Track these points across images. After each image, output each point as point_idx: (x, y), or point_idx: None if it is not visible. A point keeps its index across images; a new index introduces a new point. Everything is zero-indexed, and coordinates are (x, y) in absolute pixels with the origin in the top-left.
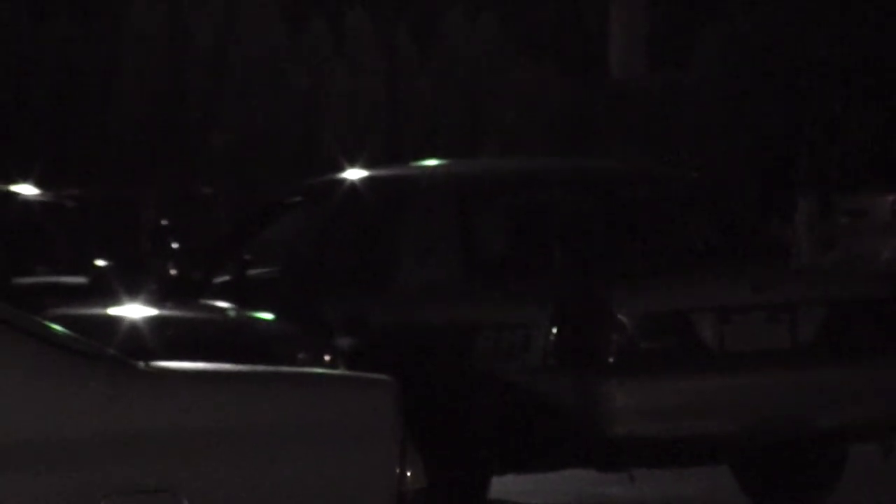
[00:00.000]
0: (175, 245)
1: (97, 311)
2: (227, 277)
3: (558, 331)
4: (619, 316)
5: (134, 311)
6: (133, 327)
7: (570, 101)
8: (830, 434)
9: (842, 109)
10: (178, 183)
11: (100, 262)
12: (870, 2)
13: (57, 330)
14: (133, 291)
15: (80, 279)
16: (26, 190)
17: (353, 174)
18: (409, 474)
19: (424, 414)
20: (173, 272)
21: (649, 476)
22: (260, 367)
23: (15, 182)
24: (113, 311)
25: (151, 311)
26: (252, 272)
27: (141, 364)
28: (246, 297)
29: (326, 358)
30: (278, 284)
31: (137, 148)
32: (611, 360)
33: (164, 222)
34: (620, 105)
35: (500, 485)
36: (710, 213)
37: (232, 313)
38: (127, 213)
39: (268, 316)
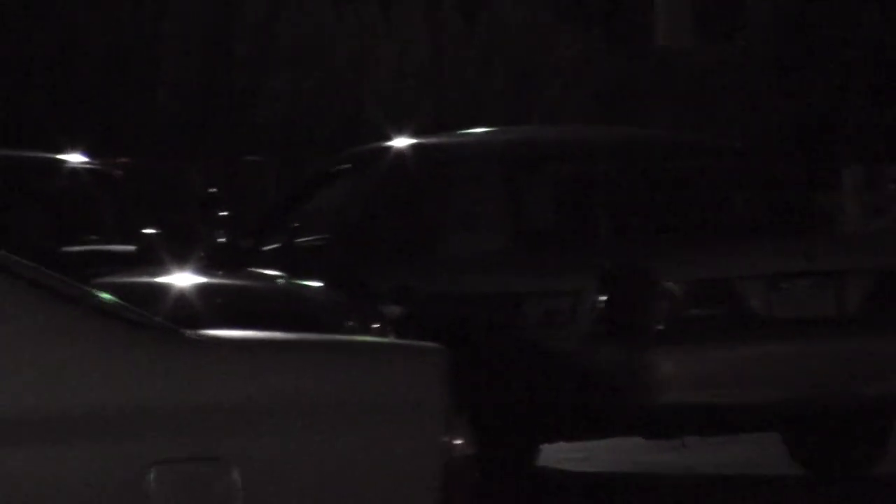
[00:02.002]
0: (223, 213)
1: (145, 279)
2: (275, 245)
3: (606, 299)
4: (667, 284)
5: (182, 279)
6: (181, 296)
7: (616, 71)
8: (878, 402)
9: (887, 79)
10: (226, 152)
11: (148, 231)
12: None
13: (105, 298)
14: (181, 260)
15: (128, 247)
16: (75, 158)
17: (400, 142)
18: (456, 442)
19: (472, 382)
20: (221, 240)
21: (699, 443)
22: (308, 336)
23: (63, 150)
24: (161, 279)
25: (200, 280)
26: (300, 240)
27: (189, 333)
28: (294, 265)
29: (375, 326)
30: (326, 252)
31: (185, 117)
32: (659, 328)
33: (212, 190)
34: (666, 75)
35: (550, 452)
36: (757, 181)
37: (280, 281)
38: (175, 181)
39: (316, 284)
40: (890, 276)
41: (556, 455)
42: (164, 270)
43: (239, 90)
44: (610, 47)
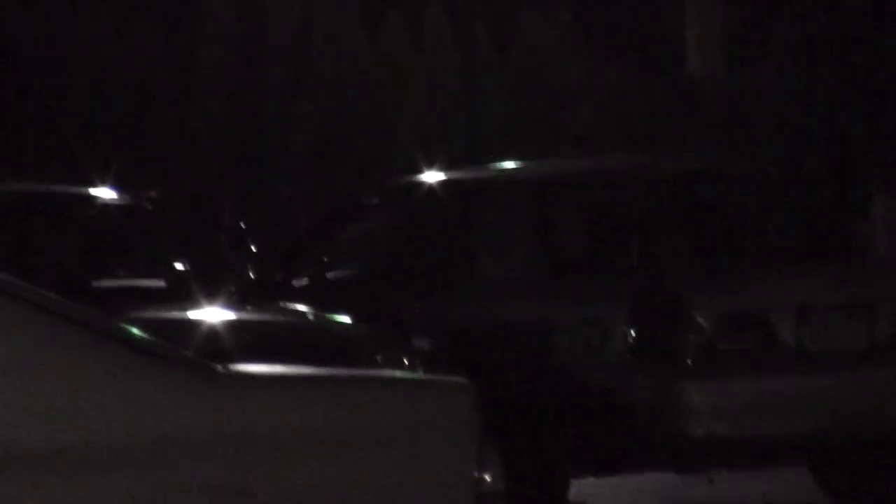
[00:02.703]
0: (253, 247)
1: (176, 313)
2: (305, 280)
3: (636, 330)
4: (697, 315)
5: (212, 313)
6: (211, 330)
7: (646, 98)
8: None
9: None
10: (256, 184)
11: (178, 265)
12: None
13: (136, 333)
14: (211, 294)
15: (158, 282)
16: (105, 193)
17: (431, 175)
18: (487, 477)
19: (502, 415)
20: (252, 274)
21: (726, 478)
22: (338, 370)
23: (93, 185)
24: (191, 313)
25: (230, 314)
26: (331, 274)
27: (219, 367)
28: (325, 299)
29: (405, 360)
30: (357, 286)
31: (216, 149)
32: (689, 359)
33: (242, 224)
34: (697, 102)
35: (580, 488)
36: (788, 210)
37: (310, 316)
38: (206, 215)
39: (346, 318)
40: None
41: (586, 490)
42: (194, 305)
43: (270, 120)
44: (641, 74)
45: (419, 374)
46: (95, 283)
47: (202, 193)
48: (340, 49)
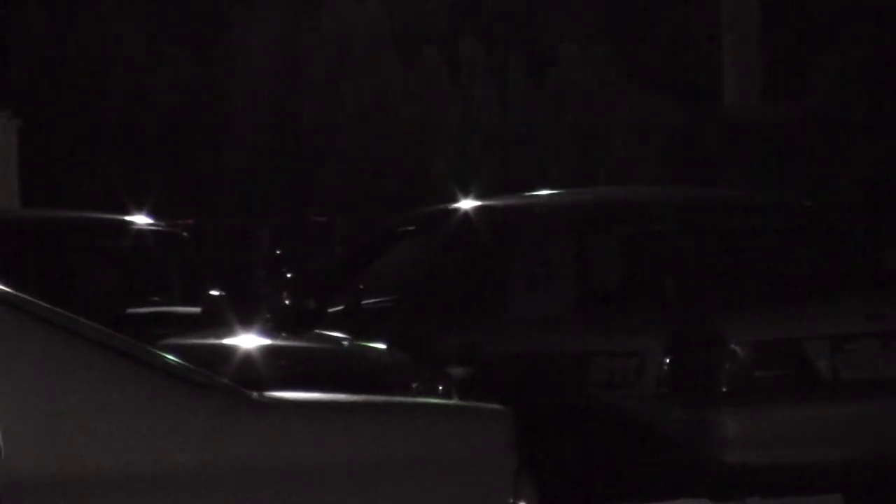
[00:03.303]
0: (289, 274)
1: (211, 340)
2: (340, 307)
3: (671, 360)
4: (733, 345)
5: (247, 340)
6: (246, 357)
7: (682, 131)
8: None
9: None
10: (291, 212)
11: (213, 292)
12: None
13: (171, 360)
14: (246, 321)
15: (193, 309)
16: (140, 219)
17: (466, 203)
18: None
19: (537, 444)
20: (287, 302)
21: None
22: (373, 398)
23: (129, 212)
24: (226, 340)
25: (265, 341)
26: (365, 302)
27: (254, 394)
28: (360, 326)
29: (440, 388)
30: (392, 314)
31: (252, 178)
32: (724, 388)
33: (277, 251)
34: (734, 135)
35: None
36: (824, 241)
37: (345, 343)
38: (241, 242)
39: (381, 346)
40: None
41: None
42: (229, 332)
43: (306, 149)
44: (676, 106)
45: (455, 401)
46: (131, 310)
47: (238, 221)
48: (375, 81)
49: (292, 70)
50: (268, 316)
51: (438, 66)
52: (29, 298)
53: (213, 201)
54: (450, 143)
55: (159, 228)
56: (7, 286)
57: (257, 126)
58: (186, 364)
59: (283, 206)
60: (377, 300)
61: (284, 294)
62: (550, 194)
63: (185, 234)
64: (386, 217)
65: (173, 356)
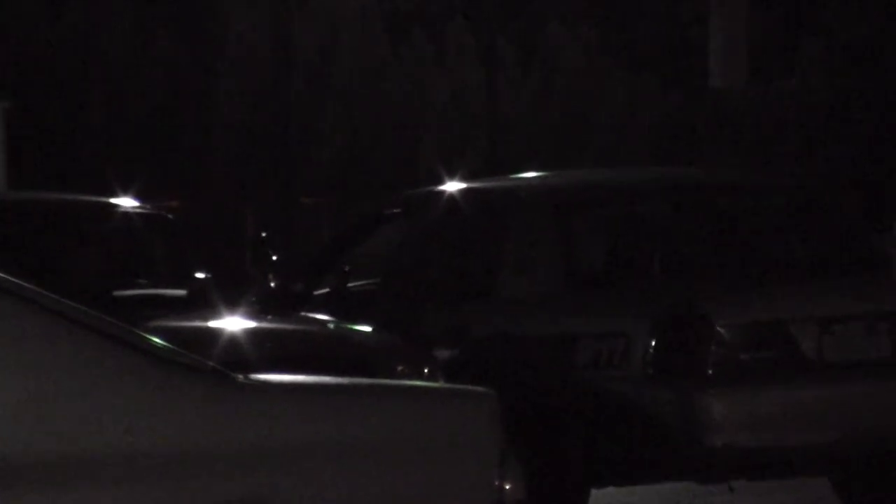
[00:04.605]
0: (275, 257)
1: (197, 323)
2: (327, 289)
3: (658, 342)
4: (719, 327)
5: (233, 323)
6: (233, 340)
7: (669, 111)
8: None
9: None
10: (279, 195)
11: (199, 275)
12: None
13: (157, 342)
14: (233, 304)
15: (179, 291)
16: (126, 202)
17: (453, 186)
18: (508, 487)
19: (524, 425)
20: (273, 284)
21: (747, 487)
22: (359, 380)
23: (115, 194)
24: (212, 323)
25: (251, 324)
26: (351, 284)
27: (240, 377)
28: (346, 309)
29: (425, 370)
30: (378, 296)
31: (239, 160)
32: (710, 371)
33: (264, 234)
34: (721, 114)
35: (600, 497)
36: (810, 222)
37: (331, 326)
38: (228, 224)
39: (367, 328)
40: None
41: (606, 500)
42: (215, 314)
43: (293, 131)
44: (664, 88)
45: (441, 384)
46: (117, 293)
47: (224, 203)
48: (364, 62)
49: (280, 52)
50: (253, 298)
51: (426, 48)
52: (14, 280)
53: (199, 184)
54: (438, 125)
55: (145, 211)
56: None
57: (245, 109)
58: (172, 346)
59: (271, 188)
60: (363, 283)
61: (270, 276)
62: (537, 176)
63: (171, 216)
64: (373, 199)
65: (159, 338)
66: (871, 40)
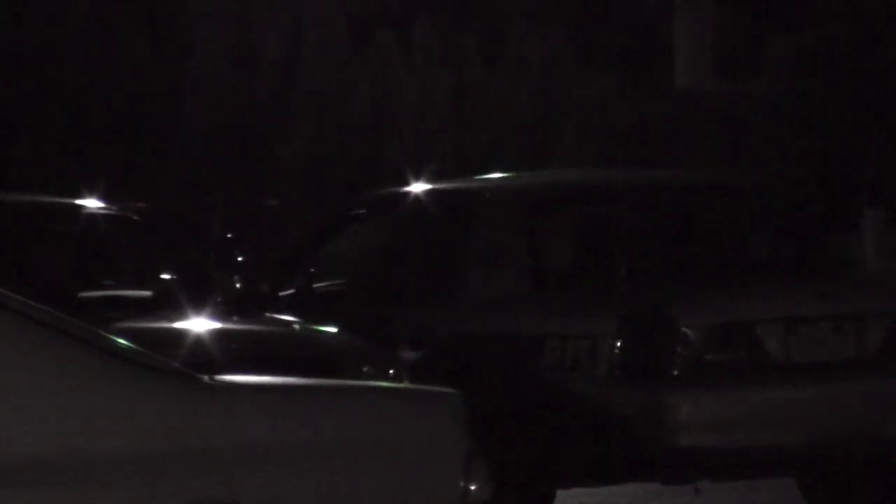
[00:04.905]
0: (240, 258)
1: (162, 324)
2: (292, 290)
3: (623, 343)
4: (685, 328)
5: (199, 324)
6: (198, 341)
7: (636, 112)
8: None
9: None
10: (244, 196)
11: (165, 276)
12: None
13: (122, 343)
14: (198, 305)
15: (145, 292)
16: (92, 203)
17: (419, 187)
18: (473, 487)
19: (490, 426)
20: (239, 285)
21: (714, 489)
22: (324, 381)
23: (81, 195)
24: (178, 324)
25: (216, 325)
26: (318, 285)
27: (206, 378)
28: (311, 310)
29: (391, 371)
30: (343, 297)
31: (205, 161)
32: (676, 371)
33: (229, 235)
34: (686, 116)
35: (566, 498)
36: (777, 223)
37: (297, 327)
38: (193, 226)
39: (332, 329)
40: None
41: (572, 501)
42: (180, 316)
43: (259, 132)
44: (630, 88)
45: (406, 385)
46: (82, 294)
47: (190, 205)
48: (329, 63)
49: (246, 52)
50: (219, 299)
51: (392, 49)
52: None
53: (165, 185)
54: (404, 126)
55: (111, 212)
56: None
57: (210, 110)
58: (138, 348)
59: (237, 190)
60: (329, 283)
61: (236, 278)
62: (503, 177)
63: (136, 217)
64: (339, 200)
65: (125, 340)
66: (839, 40)
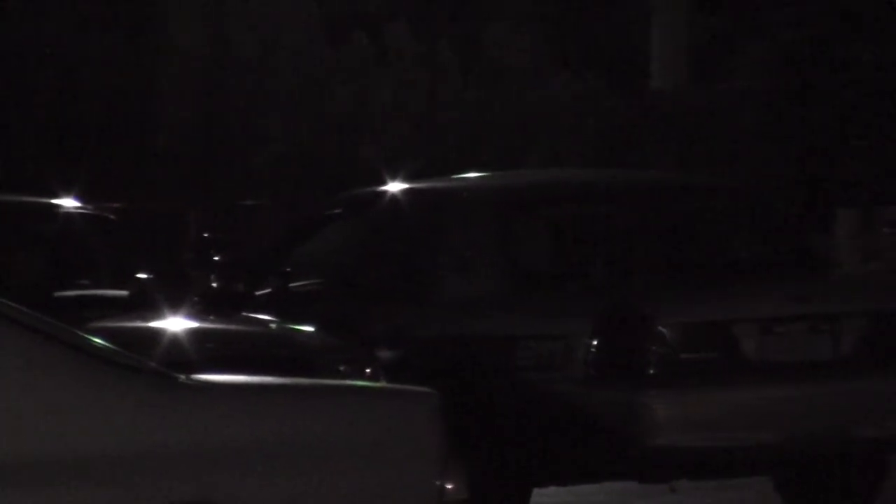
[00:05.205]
0: (217, 258)
1: (139, 324)
2: (268, 290)
3: (599, 343)
4: (660, 327)
5: (175, 323)
6: (174, 340)
7: (613, 113)
8: (872, 445)
9: (882, 121)
10: (220, 196)
11: (141, 275)
12: None
13: (99, 343)
14: (175, 304)
15: (121, 292)
16: (69, 203)
17: (394, 186)
18: (450, 486)
19: (466, 425)
20: (215, 285)
21: (690, 488)
22: (301, 380)
23: (58, 195)
24: (154, 324)
25: (193, 324)
26: (293, 285)
27: (182, 377)
28: (287, 309)
29: (367, 370)
30: (320, 297)
31: (181, 161)
32: (651, 371)
33: (205, 235)
34: (661, 117)
35: (541, 497)
36: (752, 223)
37: (273, 326)
38: (170, 225)
39: (309, 328)
40: (884, 319)
41: (548, 500)
42: (157, 315)
43: (235, 133)
44: (608, 90)
45: (383, 384)
46: (59, 293)
47: (167, 204)
48: (305, 64)
49: (222, 52)
50: (196, 299)
51: (368, 50)
52: None
53: (142, 185)
54: (379, 127)
55: (87, 212)
56: None
57: (187, 110)
58: (114, 347)
59: (213, 189)
60: (305, 283)
61: (212, 277)
62: (477, 177)
63: (113, 217)
64: (315, 200)
65: (101, 339)
66: (812, 42)
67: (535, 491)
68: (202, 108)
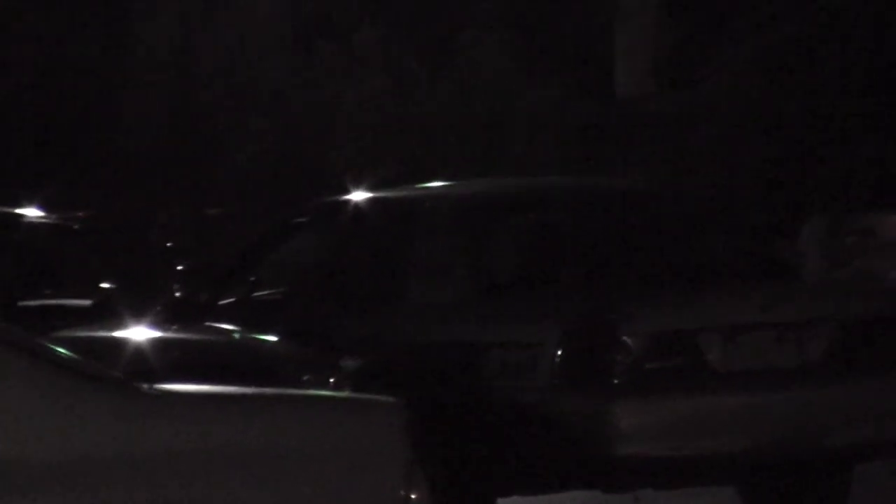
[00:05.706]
0: (180, 267)
1: (102, 333)
2: (232, 299)
3: (564, 351)
4: (625, 336)
5: (139, 333)
6: (138, 350)
7: (580, 119)
8: (838, 453)
9: (851, 129)
10: (185, 205)
11: (105, 285)
12: (884, 23)
13: (62, 352)
14: (138, 314)
15: (85, 301)
16: (32, 212)
17: (359, 195)
18: (414, 496)
19: (431, 434)
20: (178, 294)
21: (655, 497)
22: (264, 390)
23: (21, 205)
24: (118, 333)
25: (156, 334)
26: (258, 294)
27: (145, 386)
28: (251, 318)
29: (332, 380)
30: (284, 306)
31: (145, 170)
32: (616, 380)
33: (169, 244)
34: (627, 125)
35: None
36: (718, 231)
37: (237, 335)
38: (133, 235)
39: (272, 338)
40: (850, 327)
41: None
42: (120, 324)
43: (200, 142)
44: (576, 95)
45: (347, 393)
46: (22, 302)
47: (131, 214)
48: (271, 71)
49: (189, 60)
50: (159, 308)
51: (335, 57)
52: None
53: (106, 195)
54: (347, 134)
55: (51, 221)
56: None
57: (153, 119)
58: (77, 356)
59: (178, 198)
60: (269, 292)
61: (176, 286)
62: (445, 185)
63: (77, 226)
64: (281, 208)
65: (64, 349)
66: (784, 47)
67: (500, 500)
68: (168, 116)
